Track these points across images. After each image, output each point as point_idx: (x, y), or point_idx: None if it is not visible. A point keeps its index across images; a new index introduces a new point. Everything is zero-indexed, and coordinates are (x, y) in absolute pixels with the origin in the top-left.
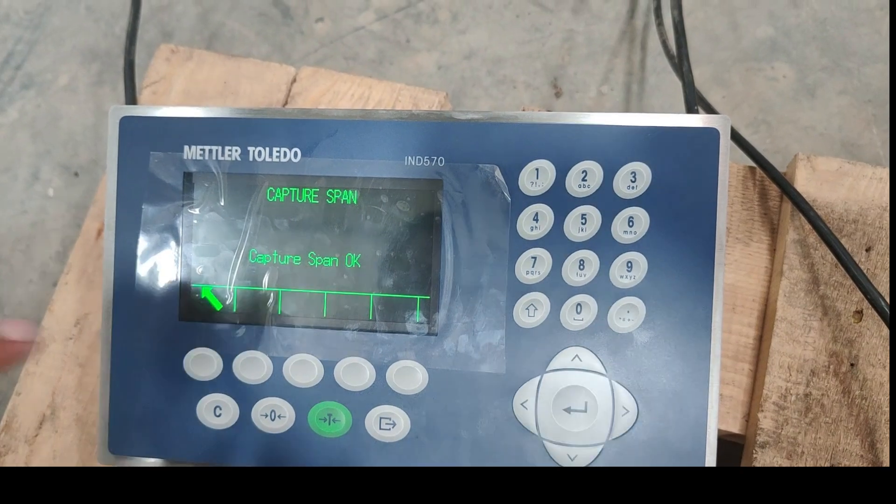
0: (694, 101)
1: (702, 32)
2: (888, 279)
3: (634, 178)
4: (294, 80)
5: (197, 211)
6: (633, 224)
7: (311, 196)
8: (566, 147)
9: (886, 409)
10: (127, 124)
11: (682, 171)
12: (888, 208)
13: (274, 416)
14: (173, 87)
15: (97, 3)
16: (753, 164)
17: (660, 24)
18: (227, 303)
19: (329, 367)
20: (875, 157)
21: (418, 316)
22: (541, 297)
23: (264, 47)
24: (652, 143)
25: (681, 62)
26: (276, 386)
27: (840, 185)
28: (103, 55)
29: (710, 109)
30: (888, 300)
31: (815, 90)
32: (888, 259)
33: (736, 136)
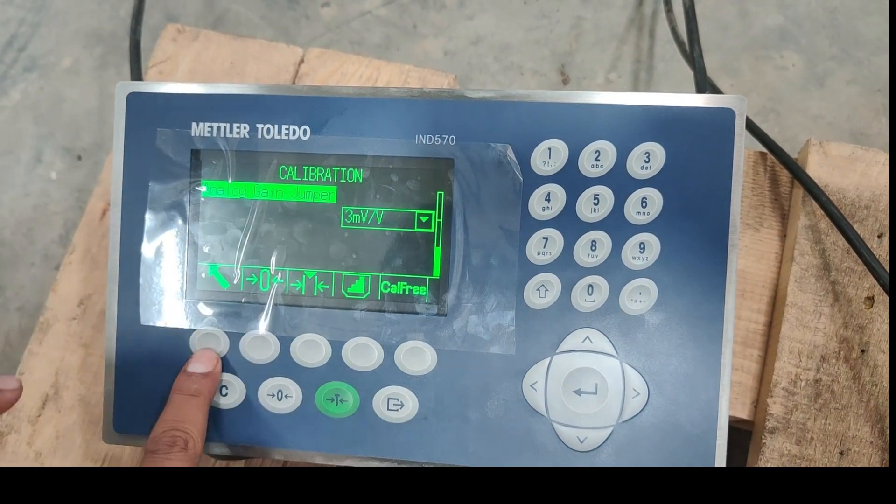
0: (705, 87)
1: (711, 20)
2: (889, 266)
3: (648, 158)
4: (301, 61)
5: (204, 188)
6: (646, 205)
7: (320, 174)
8: (579, 126)
9: None
10: (134, 101)
11: (696, 151)
12: None
13: (281, 396)
14: (179, 67)
15: None
16: (764, 150)
17: (669, 10)
18: (234, 282)
19: (337, 347)
20: (884, 147)
21: (427, 296)
22: (552, 278)
23: (269, 32)
24: (666, 123)
25: (692, 47)
26: (283, 365)
27: (852, 170)
28: (107, 38)
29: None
30: (889, 286)
31: (824, 79)
32: (889, 247)
33: (747, 123)
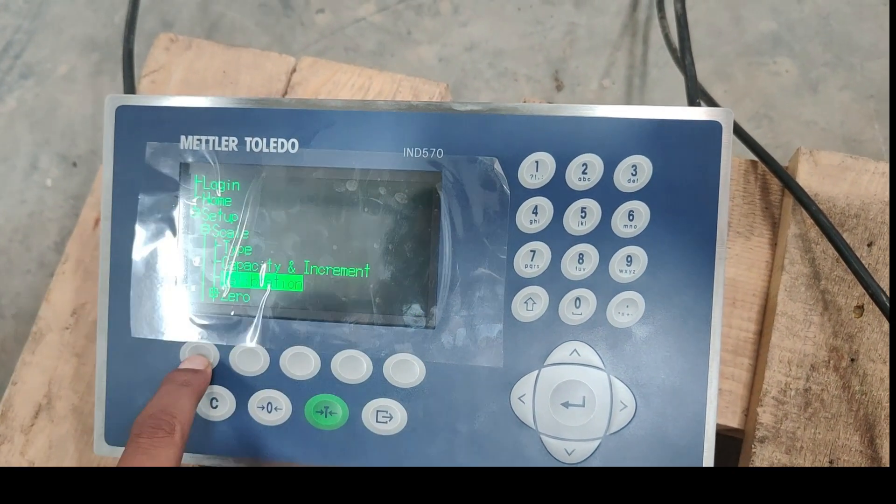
0: (696, 95)
1: (704, 26)
2: (889, 274)
3: (635, 171)
4: (294, 70)
5: (193, 201)
6: (633, 218)
7: (308, 187)
8: (566, 139)
9: (886, 404)
10: (123, 114)
11: (683, 164)
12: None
13: (270, 409)
14: (172, 77)
15: None
16: (755, 158)
17: (662, 17)
18: (224, 294)
19: (326, 359)
20: (877, 153)
21: (416, 309)
22: (539, 291)
23: (264, 38)
24: (653, 136)
25: (683, 55)
26: (273, 378)
27: (842, 179)
28: (102, 45)
29: (711, 103)
30: (889, 295)
31: (817, 85)
32: (890, 254)
33: (738, 130)
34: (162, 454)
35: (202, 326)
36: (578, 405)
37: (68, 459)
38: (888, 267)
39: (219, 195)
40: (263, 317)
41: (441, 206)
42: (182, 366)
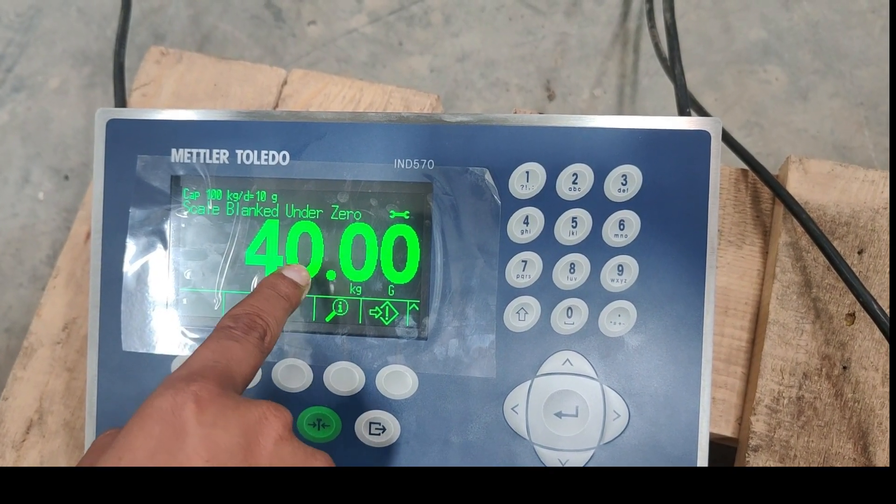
0: (686, 104)
1: (695, 35)
2: (880, 282)
3: (625, 180)
4: (285, 83)
5: (185, 214)
6: (623, 227)
7: (300, 199)
8: (557, 150)
9: (879, 411)
10: (114, 127)
11: (673, 173)
12: (880, 211)
13: None
14: (163, 90)
15: (88, 6)
16: (746, 167)
17: (652, 26)
18: (216, 307)
19: (318, 371)
20: (867, 160)
21: (408, 320)
22: (531, 301)
23: (256, 50)
24: (643, 146)
25: (673, 65)
26: (266, 391)
27: (832, 187)
28: (94, 58)
29: (702, 112)
30: (881, 303)
31: (807, 93)
32: (880, 262)
33: (728, 139)
34: (249, 351)
35: (194, 340)
36: (572, 415)
37: None
38: (879, 274)
39: (210, 208)
40: None
41: (432, 216)
42: (285, 272)
